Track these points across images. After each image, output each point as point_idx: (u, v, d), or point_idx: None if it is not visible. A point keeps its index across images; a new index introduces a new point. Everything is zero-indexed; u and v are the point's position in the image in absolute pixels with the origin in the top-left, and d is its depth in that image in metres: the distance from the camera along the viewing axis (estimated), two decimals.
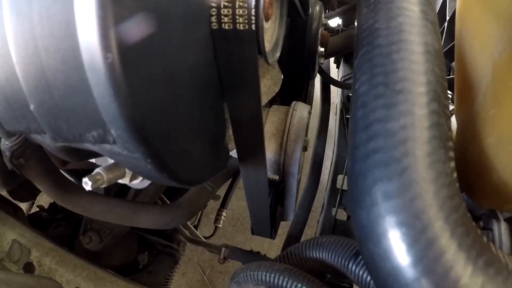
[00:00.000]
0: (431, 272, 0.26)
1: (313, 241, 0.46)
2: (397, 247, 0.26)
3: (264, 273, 0.40)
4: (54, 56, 0.21)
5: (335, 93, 1.32)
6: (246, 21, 0.31)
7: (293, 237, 0.95)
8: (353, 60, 0.38)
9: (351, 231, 0.33)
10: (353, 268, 0.40)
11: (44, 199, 1.31)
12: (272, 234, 0.69)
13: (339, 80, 1.31)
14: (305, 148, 0.64)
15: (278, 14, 0.45)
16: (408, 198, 0.25)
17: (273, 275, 0.40)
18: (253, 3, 0.30)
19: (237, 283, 0.44)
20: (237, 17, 0.31)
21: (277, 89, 0.61)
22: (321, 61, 0.88)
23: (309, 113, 0.61)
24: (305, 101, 0.93)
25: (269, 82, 0.60)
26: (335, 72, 1.43)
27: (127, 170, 0.36)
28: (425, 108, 0.29)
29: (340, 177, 1.08)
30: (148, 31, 0.21)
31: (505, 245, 0.66)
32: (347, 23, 1.28)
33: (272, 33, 0.43)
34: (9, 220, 0.93)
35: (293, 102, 0.61)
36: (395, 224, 0.26)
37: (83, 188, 0.60)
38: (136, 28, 0.20)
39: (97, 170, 0.33)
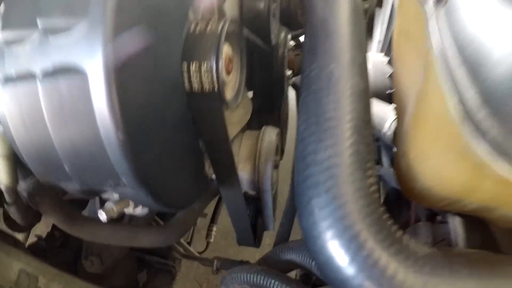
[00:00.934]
0: (355, 260, 0.37)
1: (284, 245, 0.58)
2: (328, 244, 0.37)
3: (245, 274, 0.51)
4: (81, 134, 0.32)
5: None
6: (211, 83, 0.42)
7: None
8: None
9: None
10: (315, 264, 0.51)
11: (39, 228, 1.39)
12: (255, 243, 0.80)
13: None
14: (276, 166, 0.76)
15: (238, 64, 0.56)
16: (333, 208, 0.37)
17: (252, 275, 0.51)
18: (214, 68, 0.42)
19: (225, 285, 0.55)
20: (203, 80, 0.42)
21: (248, 117, 0.73)
22: (290, 82, 1.01)
23: (278, 134, 0.73)
24: (278, 120, 1.05)
25: (242, 111, 0.72)
26: None
27: (130, 202, 0.47)
28: (347, 140, 0.41)
29: None
30: (149, 114, 0.33)
31: (460, 236, 0.78)
32: None
33: (234, 82, 0.55)
34: (13, 251, 1.02)
35: (263, 127, 0.72)
36: (325, 227, 0.37)
37: (88, 217, 0.70)
38: (139, 113, 0.32)
39: (108, 204, 0.44)
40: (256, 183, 0.70)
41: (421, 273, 0.38)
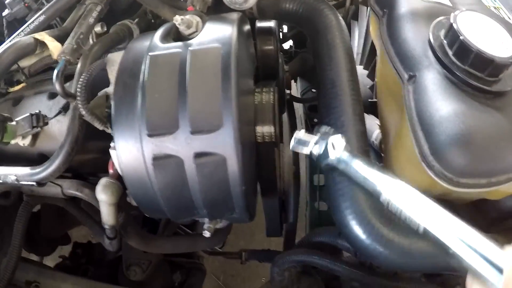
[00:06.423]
0: (370, 235, 0.73)
1: (313, 232, 0.94)
2: (354, 228, 0.73)
3: (298, 256, 0.87)
4: (218, 189, 0.65)
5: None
6: (270, 138, 0.76)
7: (290, 232, 1.44)
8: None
9: (332, 217, 0.79)
10: (339, 241, 0.88)
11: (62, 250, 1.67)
12: (281, 233, 1.16)
13: (299, 92, 1.80)
14: (294, 174, 1.11)
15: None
16: (355, 208, 0.73)
17: (304, 256, 0.87)
18: (273, 130, 0.75)
19: (278, 266, 0.91)
20: (266, 137, 0.76)
21: None
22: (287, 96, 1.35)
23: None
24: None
25: None
26: (293, 85, 1.91)
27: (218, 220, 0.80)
28: None
29: (315, 176, 1.57)
30: (249, 170, 0.66)
31: None
32: (298, 44, 1.75)
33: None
34: (58, 275, 1.31)
35: (280, 145, 1.06)
36: (351, 219, 0.73)
37: (157, 236, 1.04)
38: (247, 172, 0.65)
39: (206, 225, 0.77)
40: (281, 188, 1.05)
41: (404, 236, 0.74)
